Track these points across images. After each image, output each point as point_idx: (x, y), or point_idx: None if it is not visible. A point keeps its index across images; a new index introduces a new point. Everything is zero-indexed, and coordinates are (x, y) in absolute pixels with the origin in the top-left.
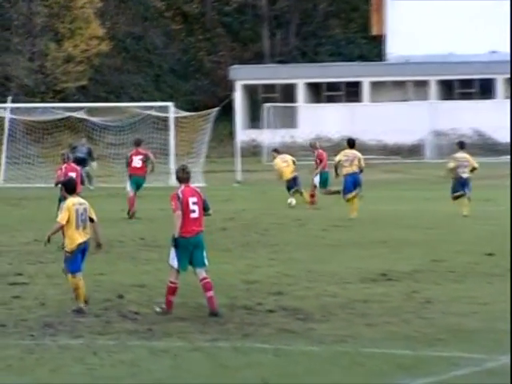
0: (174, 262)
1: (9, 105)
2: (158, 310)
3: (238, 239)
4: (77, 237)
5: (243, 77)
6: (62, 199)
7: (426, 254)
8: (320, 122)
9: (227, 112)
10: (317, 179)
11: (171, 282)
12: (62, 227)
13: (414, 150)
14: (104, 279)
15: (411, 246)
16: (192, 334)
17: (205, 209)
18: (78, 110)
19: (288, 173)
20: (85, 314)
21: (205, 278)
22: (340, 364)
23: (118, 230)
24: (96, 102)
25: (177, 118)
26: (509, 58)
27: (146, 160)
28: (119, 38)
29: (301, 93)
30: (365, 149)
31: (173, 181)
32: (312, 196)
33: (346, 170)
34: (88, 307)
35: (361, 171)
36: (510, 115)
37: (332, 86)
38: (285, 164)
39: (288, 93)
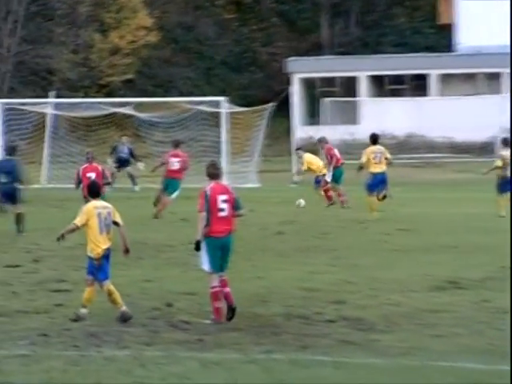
0: (206, 266)
1: (51, 100)
2: (207, 321)
3: (295, 244)
4: (100, 242)
5: (300, 69)
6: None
7: (497, 260)
8: (383, 117)
9: (283, 107)
10: (329, 176)
11: (212, 287)
12: (76, 229)
13: (486, 148)
14: (151, 286)
15: (482, 251)
16: (246, 345)
17: (236, 208)
18: (125, 105)
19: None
20: (131, 315)
21: (221, 276)
22: (405, 378)
23: (166, 234)
24: (143, 97)
25: (229, 114)
26: None
27: (183, 164)
28: (168, 29)
29: (362, 86)
30: (432, 146)
31: (226, 181)
32: (326, 191)
33: (375, 168)
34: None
35: (389, 163)
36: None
37: (396, 79)
38: (314, 161)
39: (348, 86)
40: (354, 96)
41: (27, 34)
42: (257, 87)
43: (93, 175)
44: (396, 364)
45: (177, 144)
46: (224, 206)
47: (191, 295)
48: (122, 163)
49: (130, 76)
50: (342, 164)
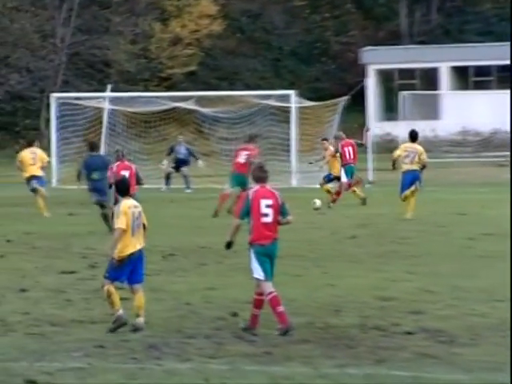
0: (259, 274)
1: (108, 94)
2: (276, 333)
3: (371, 249)
4: (130, 244)
5: (377, 60)
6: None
7: None
8: (466, 112)
9: (358, 101)
10: (342, 175)
11: (269, 294)
12: (124, 232)
13: None
14: (215, 294)
15: None
16: (317, 358)
17: (282, 214)
18: (186, 99)
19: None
20: (125, 320)
21: (272, 293)
22: None
23: None
24: (206, 91)
25: (299, 109)
26: None
27: (251, 159)
28: (233, 17)
29: (444, 78)
30: None
31: (295, 181)
32: (338, 194)
33: (406, 166)
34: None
35: (423, 167)
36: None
37: (481, 71)
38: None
39: (429, 78)
40: (435, 89)
41: (82, 23)
42: (329, 80)
43: (126, 173)
44: (481, 380)
45: (251, 138)
46: (268, 211)
47: None
48: (179, 164)
49: (192, 68)
50: (351, 163)
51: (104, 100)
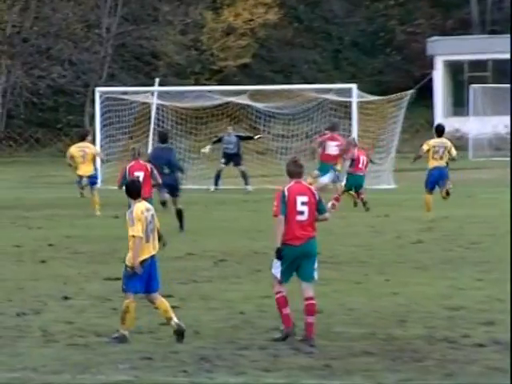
0: (277, 272)
1: (156, 88)
2: (277, 336)
3: (437, 254)
4: (144, 251)
5: (445, 51)
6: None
7: None
8: None
9: (424, 95)
10: (344, 180)
11: (277, 293)
12: (142, 239)
13: None
14: (270, 303)
15: None
16: (380, 372)
17: (319, 211)
18: (240, 93)
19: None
20: (127, 341)
21: (310, 299)
22: None
23: None
24: (261, 84)
25: (360, 104)
26: None
27: (342, 149)
28: (290, 5)
29: None
30: None
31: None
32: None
33: (434, 163)
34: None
35: (452, 159)
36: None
37: None
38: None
39: (502, 71)
40: (509, 82)
41: (129, 12)
42: (393, 72)
43: (141, 174)
44: None
45: (334, 127)
46: (303, 208)
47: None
48: (228, 158)
49: (245, 60)
50: (360, 173)
51: (152, 94)
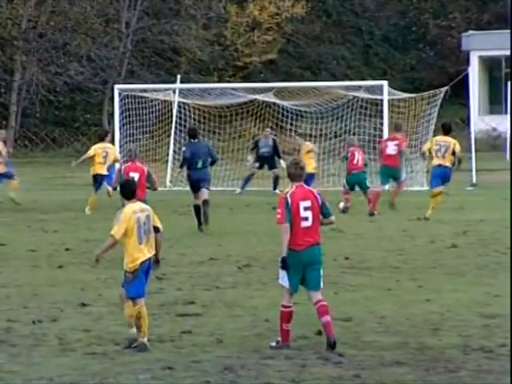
0: (285, 281)
1: (178, 85)
2: (273, 344)
3: (472, 260)
4: (139, 253)
5: (481, 46)
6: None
7: None
8: None
9: (459, 93)
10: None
11: (284, 307)
12: (115, 244)
13: None
14: (298, 310)
15: None
16: (412, 382)
17: (324, 215)
18: (265, 91)
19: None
20: (148, 349)
21: (320, 301)
22: None
23: None
24: (287, 81)
25: (392, 101)
26: None
27: (401, 149)
28: None
29: None
30: None
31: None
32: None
33: (437, 161)
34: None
35: (459, 162)
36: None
37: None
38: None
39: None
40: None
41: (149, 6)
42: (426, 68)
43: (136, 175)
44: None
45: (398, 128)
46: (307, 214)
47: (345, 321)
48: (263, 161)
49: (271, 56)
50: (357, 170)
51: (173, 92)
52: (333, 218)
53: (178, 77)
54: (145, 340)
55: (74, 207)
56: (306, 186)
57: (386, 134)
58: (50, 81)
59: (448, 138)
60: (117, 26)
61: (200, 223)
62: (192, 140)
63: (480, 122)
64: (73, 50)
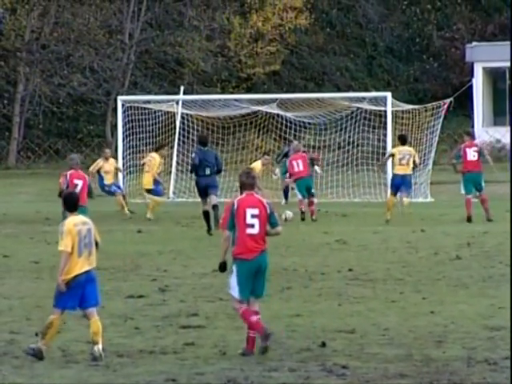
0: (235, 292)
1: (181, 97)
2: (240, 351)
3: (476, 271)
4: (75, 266)
5: (485, 57)
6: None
7: None
8: None
9: (463, 104)
10: (296, 189)
11: (239, 308)
12: (69, 255)
13: None
14: (301, 322)
15: None
16: None
17: (271, 225)
18: (269, 102)
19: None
20: (43, 358)
21: (256, 313)
22: None
23: (319, 259)
24: (291, 93)
25: (396, 113)
26: None
27: (480, 154)
28: (322, 10)
29: None
30: None
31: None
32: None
33: (400, 169)
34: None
35: (414, 167)
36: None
37: None
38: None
39: None
40: None
41: (153, 17)
42: (430, 80)
43: (80, 183)
44: None
45: (469, 133)
46: (254, 221)
47: (349, 333)
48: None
49: (275, 67)
50: (301, 177)
51: (176, 103)
52: (279, 228)
53: (182, 88)
54: (44, 348)
55: None
56: (256, 195)
57: (389, 146)
58: (53, 92)
59: (408, 148)
60: (120, 37)
61: (209, 228)
62: (202, 148)
63: (484, 133)
64: (76, 62)
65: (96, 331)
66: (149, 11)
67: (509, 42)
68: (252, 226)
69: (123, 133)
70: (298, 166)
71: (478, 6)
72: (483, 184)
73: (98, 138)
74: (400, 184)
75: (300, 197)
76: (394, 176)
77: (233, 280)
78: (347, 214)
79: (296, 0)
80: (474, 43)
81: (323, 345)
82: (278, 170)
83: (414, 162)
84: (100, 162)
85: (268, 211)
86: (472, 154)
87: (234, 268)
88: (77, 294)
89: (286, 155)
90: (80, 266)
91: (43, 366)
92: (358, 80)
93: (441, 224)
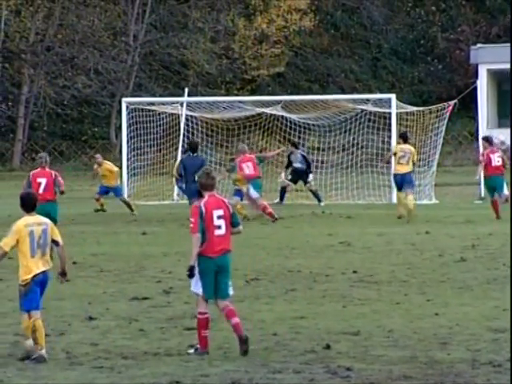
0: (198, 289)
1: (185, 99)
2: (190, 351)
3: (481, 273)
4: (32, 266)
5: (489, 59)
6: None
7: None
8: None
9: (468, 106)
10: (251, 191)
11: (200, 314)
12: (4, 255)
13: None
14: (305, 324)
15: None
16: None
17: (233, 225)
18: (273, 104)
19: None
20: (45, 361)
21: (227, 306)
22: None
23: (323, 261)
24: (295, 94)
25: (400, 115)
26: None
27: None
28: (327, 11)
29: None
30: None
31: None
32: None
33: (401, 168)
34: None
35: (413, 164)
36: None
37: None
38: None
39: None
40: None
41: (157, 19)
42: (434, 82)
43: (43, 181)
44: None
45: (488, 139)
46: (220, 222)
47: (353, 335)
48: (298, 176)
49: (279, 69)
50: (252, 178)
51: (181, 105)
52: (241, 227)
53: (186, 90)
54: (42, 352)
55: (82, 220)
56: (217, 196)
57: (393, 148)
58: (57, 94)
59: (408, 146)
60: (124, 39)
61: None
62: (191, 154)
63: (488, 135)
64: (80, 63)
65: (28, 326)
66: (153, 13)
67: None
68: (219, 227)
69: (127, 135)
70: (249, 168)
71: (482, 7)
72: (505, 187)
73: (102, 140)
74: (401, 182)
75: (257, 195)
76: (395, 176)
77: (196, 279)
78: (351, 215)
79: (300, 2)
80: (479, 45)
81: (328, 347)
82: (283, 174)
83: (413, 161)
84: (97, 168)
85: (230, 211)
86: (496, 160)
87: (198, 267)
88: (38, 294)
89: (289, 158)
90: (38, 266)
91: (47, 368)
92: (362, 82)
93: (445, 226)
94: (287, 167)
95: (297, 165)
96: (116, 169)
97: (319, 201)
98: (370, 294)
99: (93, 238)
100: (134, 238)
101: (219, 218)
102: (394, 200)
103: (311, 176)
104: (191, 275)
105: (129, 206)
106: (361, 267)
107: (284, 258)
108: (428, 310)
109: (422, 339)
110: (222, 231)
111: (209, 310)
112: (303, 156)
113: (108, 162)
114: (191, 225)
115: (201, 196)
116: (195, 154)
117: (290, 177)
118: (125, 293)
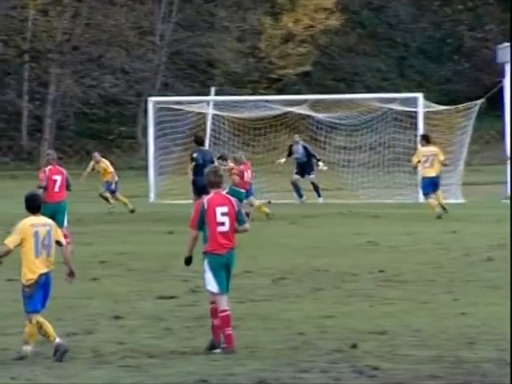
0: (213, 286)
1: (212, 98)
2: (218, 351)
3: (507, 273)
4: (36, 267)
5: None
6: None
7: None
8: None
9: (495, 105)
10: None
11: (221, 311)
12: (7, 252)
13: None
14: (332, 323)
15: None
16: None
17: (238, 222)
18: (300, 103)
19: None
20: (67, 348)
21: (226, 311)
22: None
23: (350, 260)
24: (322, 94)
25: (427, 114)
26: None
27: None
28: (353, 10)
29: None
30: None
31: (423, 196)
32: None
33: (426, 172)
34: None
35: (444, 165)
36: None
37: None
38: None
39: None
40: None
41: (184, 18)
42: (461, 80)
43: (59, 178)
44: None
45: None
46: (224, 219)
47: (380, 334)
48: (302, 168)
49: (306, 68)
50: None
51: (207, 104)
52: (247, 225)
53: (213, 89)
54: (58, 340)
55: (108, 219)
56: (223, 193)
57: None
58: (84, 93)
59: (431, 148)
60: (151, 38)
61: None
62: (199, 147)
63: None
64: (107, 63)
65: (31, 333)
66: (180, 12)
67: None
68: (222, 223)
69: (154, 134)
70: (248, 175)
71: (509, 6)
72: None
73: (128, 140)
74: (430, 186)
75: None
76: (423, 179)
77: (208, 275)
78: (378, 215)
79: (327, 1)
80: (506, 44)
81: (354, 346)
82: (282, 160)
83: (440, 161)
84: (92, 164)
85: (236, 208)
86: None
87: (207, 264)
88: (41, 295)
89: (291, 149)
90: (41, 267)
91: (74, 367)
92: (389, 81)
93: (472, 225)
94: (288, 156)
95: (296, 156)
96: (111, 169)
97: (318, 196)
98: (396, 294)
99: (119, 237)
100: (160, 237)
101: (223, 214)
102: (421, 199)
103: (321, 164)
104: (187, 263)
105: (106, 199)
106: (388, 266)
107: (311, 257)
108: (455, 310)
109: (449, 339)
110: (226, 228)
111: (231, 309)
112: (304, 148)
113: (105, 161)
114: (190, 220)
115: (207, 193)
116: (205, 148)
117: (295, 171)
118: (151, 292)
